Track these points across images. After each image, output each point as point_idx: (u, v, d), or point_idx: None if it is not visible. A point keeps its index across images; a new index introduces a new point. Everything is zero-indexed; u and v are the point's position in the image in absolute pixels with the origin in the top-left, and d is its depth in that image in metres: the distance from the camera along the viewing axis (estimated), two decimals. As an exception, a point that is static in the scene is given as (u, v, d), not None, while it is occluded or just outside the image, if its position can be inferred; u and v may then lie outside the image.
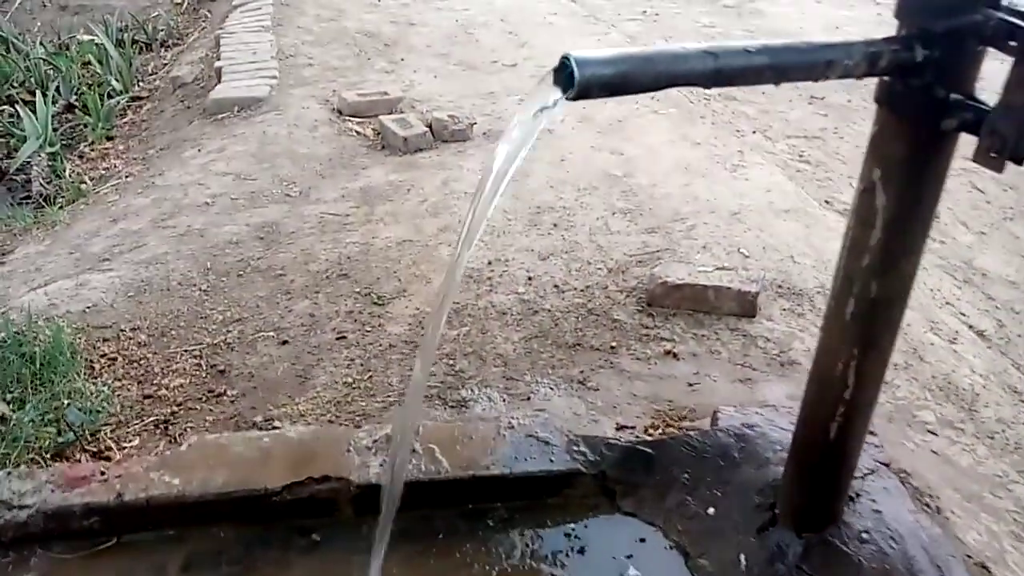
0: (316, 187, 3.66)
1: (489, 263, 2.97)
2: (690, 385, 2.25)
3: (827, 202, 3.81)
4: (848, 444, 1.40)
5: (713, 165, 3.86)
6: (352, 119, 4.35)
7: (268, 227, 3.30)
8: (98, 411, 2.11)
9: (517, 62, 5.29)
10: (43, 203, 4.12)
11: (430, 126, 4.14)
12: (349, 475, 1.60)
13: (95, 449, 2.01)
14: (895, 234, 1.20)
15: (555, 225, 3.26)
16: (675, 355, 2.40)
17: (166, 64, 6.31)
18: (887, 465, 1.70)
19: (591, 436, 1.70)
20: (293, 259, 3.04)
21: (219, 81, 4.88)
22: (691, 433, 1.72)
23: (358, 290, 2.82)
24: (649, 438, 1.87)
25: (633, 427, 2.04)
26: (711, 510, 1.56)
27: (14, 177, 4.47)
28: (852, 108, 4.91)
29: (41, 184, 4.22)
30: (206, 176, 3.80)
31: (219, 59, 5.22)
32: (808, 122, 4.66)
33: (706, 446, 1.67)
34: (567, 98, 0.87)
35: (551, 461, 1.64)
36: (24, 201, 4.25)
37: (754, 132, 4.44)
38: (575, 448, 1.67)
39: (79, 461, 1.93)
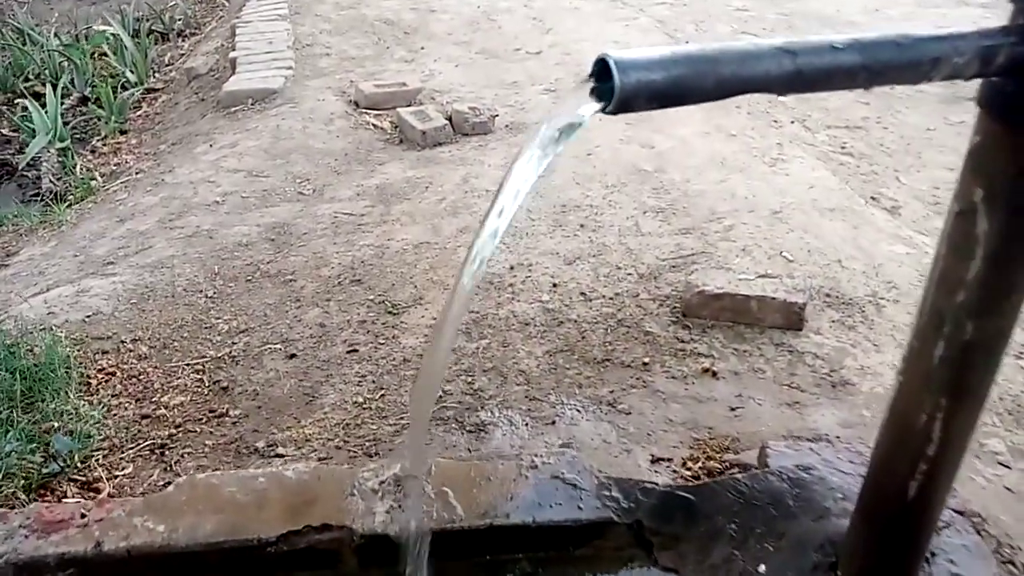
0: (330, 185, 3.49)
1: (511, 268, 2.78)
2: (732, 410, 2.04)
3: (874, 198, 3.56)
4: (929, 505, 1.20)
5: (751, 158, 3.62)
6: (369, 111, 4.17)
7: (279, 228, 3.14)
8: (89, 436, 1.96)
9: (542, 49, 5.07)
10: (53, 200, 4.00)
11: (450, 118, 3.94)
12: (352, 523, 1.43)
13: (84, 479, 1.86)
14: (999, 268, 0.99)
15: (582, 226, 3.06)
16: (714, 373, 2.19)
17: (183, 55, 6.18)
18: (962, 513, 1.49)
19: (625, 479, 1.51)
20: (304, 263, 2.88)
21: (233, 72, 4.73)
22: (737, 475, 1.53)
23: (371, 297, 2.65)
24: (689, 481, 1.67)
25: (670, 459, 1.84)
26: (762, 567, 1.37)
27: (25, 173, 4.36)
28: (895, 95, 4.62)
29: (51, 181, 4.10)
30: (217, 173, 3.65)
31: (234, 49, 5.07)
32: (849, 111, 4.39)
33: (756, 492, 1.47)
34: (606, 111, 0.68)
35: (579, 508, 1.45)
36: (34, 198, 4.14)
37: (792, 122, 4.18)
38: (606, 493, 1.48)
39: (64, 494, 1.78)
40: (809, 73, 0.72)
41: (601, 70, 0.69)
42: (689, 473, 1.78)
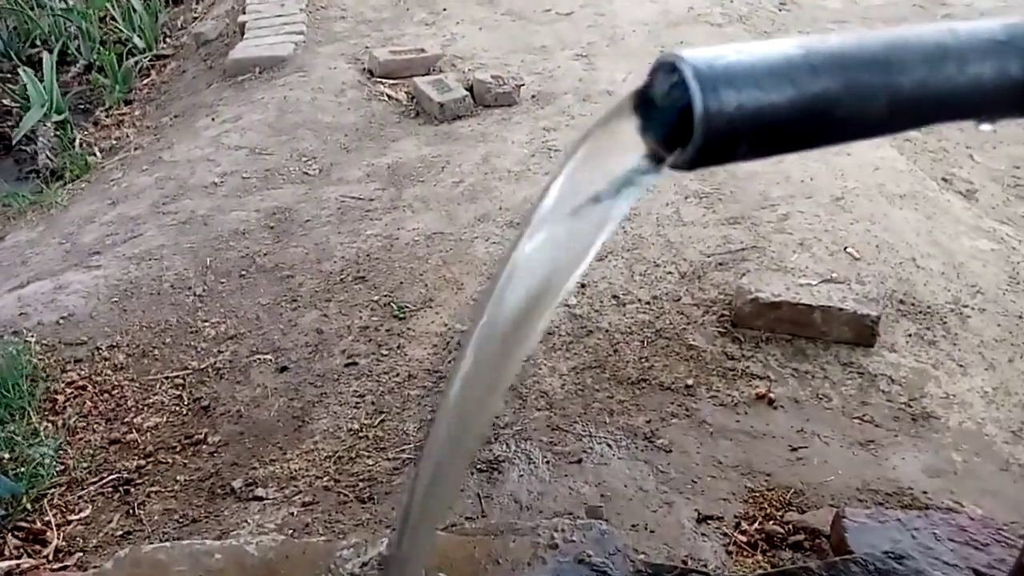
0: (338, 164, 3.17)
1: (534, 264, 2.45)
2: (793, 450, 1.72)
3: (946, 180, 3.16)
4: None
5: (806, 135, 3.22)
6: (384, 81, 3.83)
7: (280, 214, 2.84)
8: (39, 476, 1.70)
9: (573, 9, 4.65)
10: (49, 177, 3.75)
11: (471, 89, 3.59)
12: (325, 620, 1.14)
13: (30, 526, 1.61)
14: None
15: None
16: (771, 401, 1.86)
17: (196, 18, 5.86)
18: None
19: (669, 567, 1.20)
20: (304, 256, 2.58)
21: (242, 38, 4.41)
22: (811, 566, 1.21)
23: (376, 298, 2.35)
24: (745, 551, 1.36)
25: (720, 518, 1.53)
26: None
27: (23, 148, 4.11)
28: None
29: (47, 156, 3.85)
30: (217, 150, 3.35)
31: (244, 12, 4.74)
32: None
33: (834, 588, 1.16)
34: (678, 166, 0.36)
35: (610, 605, 1.15)
36: (31, 175, 3.89)
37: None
38: (643, 584, 1.18)
39: (2, 547, 1.53)
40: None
41: (657, 87, 0.36)
42: (744, 539, 1.47)
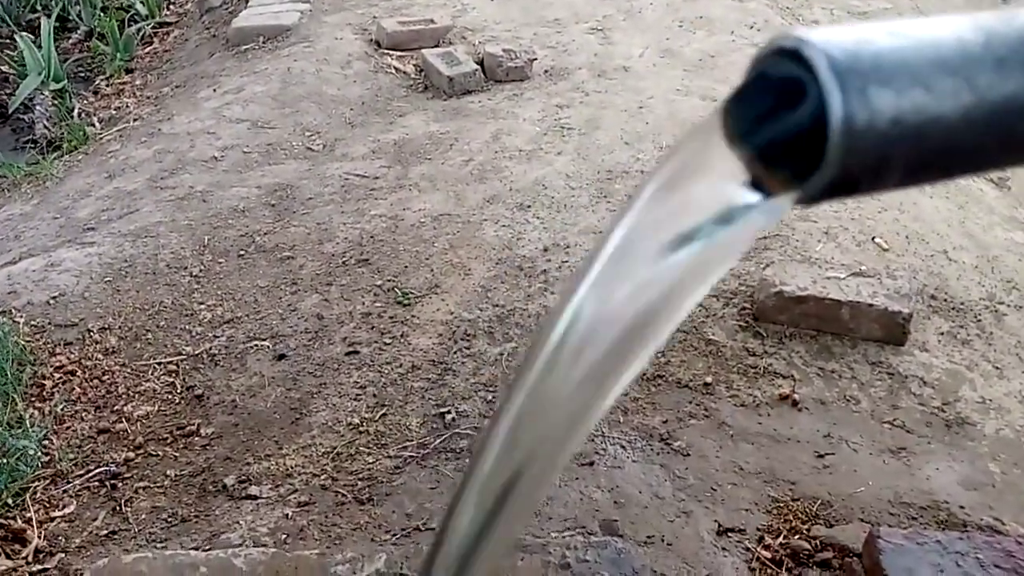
0: (343, 139, 3.05)
1: (545, 249, 2.34)
2: (819, 456, 1.61)
3: (978, 166, 3.02)
4: None
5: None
6: (392, 53, 3.69)
7: (281, 191, 2.73)
8: (20, 468, 1.61)
9: (590, -20, 4.48)
10: (46, 148, 3.64)
11: (481, 62, 3.45)
12: (317, 642, 1.05)
13: (10, 523, 1.52)
14: None
15: (630, 197, 2.59)
16: (795, 402, 1.76)
17: (201, -17, 5.70)
18: None
19: (687, 593, 1.11)
20: (306, 236, 2.48)
21: (246, 5, 4.26)
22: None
23: (379, 282, 2.24)
24: (769, 569, 1.26)
25: (742, 531, 1.43)
26: None
27: (21, 116, 4.00)
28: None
29: (45, 126, 3.74)
30: (218, 123, 3.23)
31: (248, -22, 4.58)
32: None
33: (870, 619, 1.06)
34: (804, 199, 0.25)
35: (624, 632, 1.06)
36: (28, 145, 3.78)
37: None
38: (662, 610, 1.08)
39: (-19, 548, 1.45)
40: None
41: (767, 84, 0.25)
42: (768, 555, 1.37)
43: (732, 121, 0.27)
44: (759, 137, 0.26)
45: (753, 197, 0.27)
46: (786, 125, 0.25)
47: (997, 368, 1.87)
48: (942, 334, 1.96)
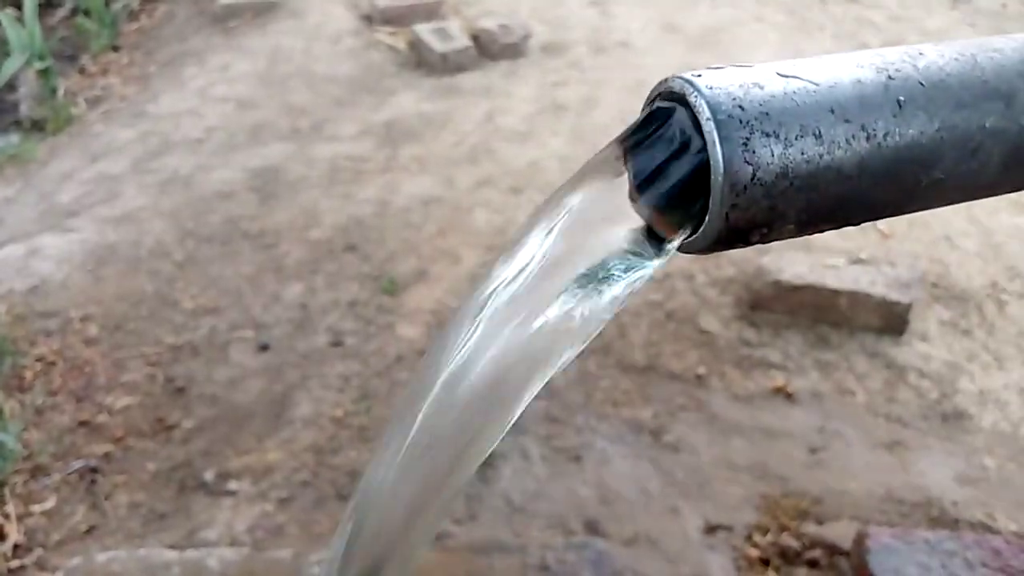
0: (331, 119, 2.98)
1: (537, 235, 2.28)
2: (812, 452, 1.57)
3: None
4: None
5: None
6: (383, 28, 3.60)
7: (267, 174, 2.67)
8: (1, 462, 1.58)
9: (586, -46, 4.36)
10: (31, 129, 3.57)
11: (476, 38, 3.36)
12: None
13: (-15, 522, 1.49)
14: None
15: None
16: (789, 394, 1.72)
17: (189, -43, 5.57)
18: None
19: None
20: (291, 221, 2.42)
21: (234, -21, 4.16)
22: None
23: (366, 270, 2.19)
24: (755, 569, 1.23)
25: (730, 528, 1.40)
26: None
27: (6, 97, 3.91)
28: (1008, 15, 3.89)
29: (30, 106, 3.66)
30: (204, 103, 3.16)
31: (237, -49, 4.47)
32: (953, 33, 3.67)
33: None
34: (685, 249, 0.23)
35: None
36: (12, 126, 3.71)
37: (885, 46, 3.50)
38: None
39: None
40: None
41: (654, 131, 0.23)
42: (755, 553, 1.34)
43: (628, 162, 0.25)
44: (653, 189, 0.24)
45: (643, 244, 0.26)
46: (677, 172, 0.23)
47: (997, 360, 1.82)
48: (943, 324, 1.91)
